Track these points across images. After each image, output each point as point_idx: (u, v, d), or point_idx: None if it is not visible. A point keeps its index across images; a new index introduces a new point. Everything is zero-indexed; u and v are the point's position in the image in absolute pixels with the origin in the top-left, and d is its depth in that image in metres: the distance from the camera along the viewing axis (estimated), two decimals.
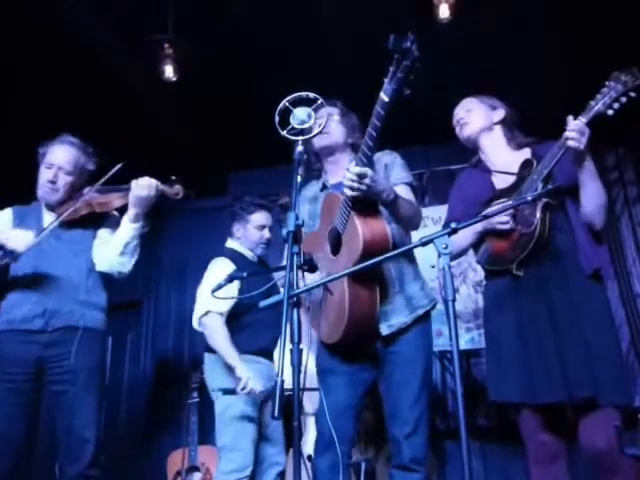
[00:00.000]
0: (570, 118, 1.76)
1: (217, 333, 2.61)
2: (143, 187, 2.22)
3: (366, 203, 1.79)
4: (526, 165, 1.93)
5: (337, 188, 2.03)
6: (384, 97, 1.61)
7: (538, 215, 1.82)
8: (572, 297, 1.81)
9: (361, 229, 1.74)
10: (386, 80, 1.60)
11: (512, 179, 1.97)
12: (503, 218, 1.87)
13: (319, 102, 1.70)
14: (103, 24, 3.09)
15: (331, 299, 1.90)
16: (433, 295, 2.04)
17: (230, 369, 2.61)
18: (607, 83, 1.75)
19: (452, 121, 2.22)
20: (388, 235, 1.79)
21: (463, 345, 3.67)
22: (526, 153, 2.04)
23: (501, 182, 2.02)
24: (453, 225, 1.43)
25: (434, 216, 4.16)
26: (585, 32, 3.11)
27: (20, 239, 2.15)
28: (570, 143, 1.73)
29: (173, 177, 2.35)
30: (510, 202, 1.78)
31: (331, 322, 1.89)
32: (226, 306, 2.63)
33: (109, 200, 2.32)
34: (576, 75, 3.33)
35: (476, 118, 2.14)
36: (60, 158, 2.33)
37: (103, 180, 2.28)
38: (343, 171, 2.06)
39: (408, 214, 1.91)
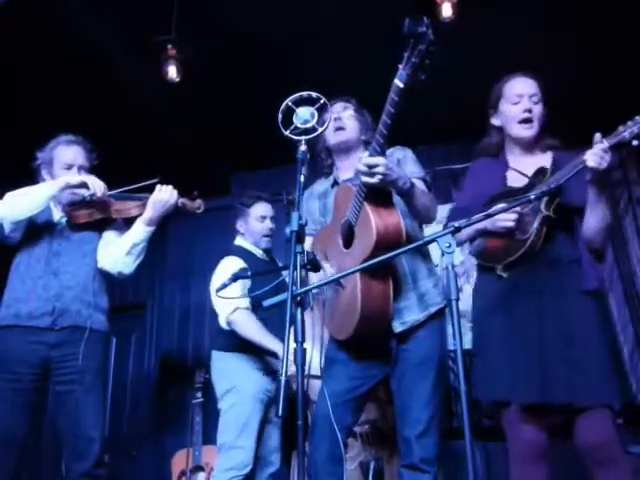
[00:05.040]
0: (597, 135, 1.73)
1: (250, 325, 2.59)
2: (165, 192, 2.30)
3: (379, 194, 1.76)
4: (539, 173, 1.90)
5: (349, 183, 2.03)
6: (398, 83, 1.57)
7: (535, 225, 1.82)
8: (564, 305, 1.81)
9: (374, 221, 1.72)
10: (400, 66, 1.57)
11: (525, 182, 1.94)
12: (509, 223, 1.84)
13: (322, 102, 1.70)
14: (106, 25, 3.10)
15: (343, 294, 1.86)
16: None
17: (239, 367, 2.62)
18: None
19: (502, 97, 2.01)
20: (402, 227, 1.76)
21: (466, 344, 3.65)
22: (548, 157, 2.00)
23: (514, 180, 1.98)
24: (456, 224, 1.43)
25: (437, 216, 4.15)
26: (586, 32, 3.10)
27: (101, 185, 2.27)
28: (591, 163, 1.69)
29: (195, 192, 2.40)
30: (512, 205, 1.76)
31: (342, 318, 1.86)
32: (249, 302, 2.63)
33: (127, 207, 2.37)
34: (577, 75, 3.34)
35: (539, 114, 1.95)
36: (77, 158, 2.38)
37: (133, 187, 2.36)
38: (355, 167, 2.07)
39: (425, 205, 1.89)
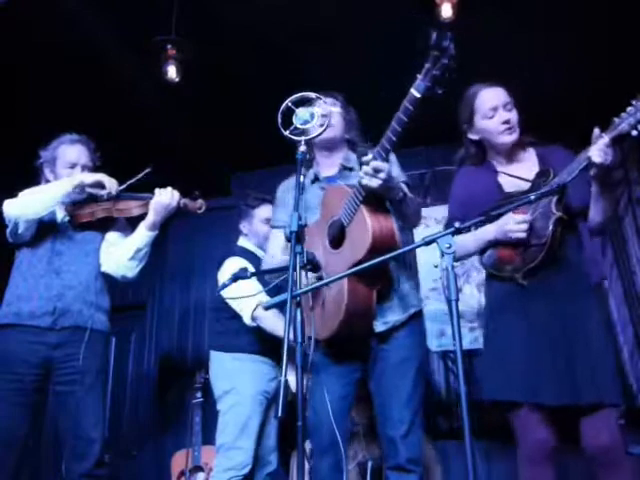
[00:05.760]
0: (596, 130, 1.72)
1: (275, 320, 2.58)
2: (166, 196, 2.28)
3: (376, 198, 1.77)
4: (542, 175, 1.89)
5: (330, 181, 2.03)
6: (415, 93, 1.58)
7: (551, 228, 1.80)
8: (580, 307, 1.82)
9: (370, 224, 1.72)
10: (419, 76, 1.58)
11: (522, 184, 1.93)
12: (521, 234, 1.83)
13: (321, 102, 1.71)
14: (106, 25, 3.10)
15: (326, 293, 1.87)
16: (421, 296, 2.06)
17: (238, 368, 2.62)
18: (633, 102, 1.67)
19: (474, 111, 2.02)
20: (396, 232, 1.77)
21: (466, 345, 3.67)
22: (531, 154, 2.02)
23: (509, 185, 1.98)
24: (457, 225, 1.42)
25: (437, 216, 4.15)
26: (586, 32, 3.10)
27: (115, 184, 2.29)
28: (597, 159, 1.69)
29: (196, 192, 2.39)
30: (513, 205, 1.76)
31: (325, 317, 1.86)
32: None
33: (128, 207, 2.35)
34: (577, 75, 3.33)
35: (517, 119, 1.99)
36: (81, 157, 2.38)
37: (130, 182, 2.34)
38: (336, 165, 2.07)
39: (412, 212, 1.92)
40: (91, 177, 2.28)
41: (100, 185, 2.26)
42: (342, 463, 1.82)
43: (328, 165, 2.10)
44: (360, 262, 1.72)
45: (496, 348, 1.93)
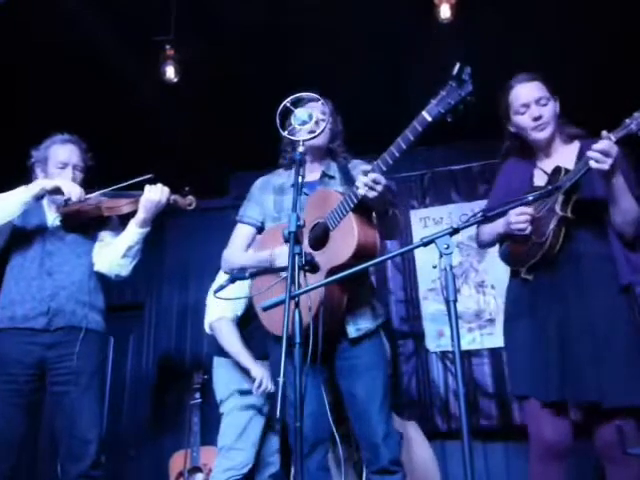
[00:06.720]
0: (604, 133, 1.72)
1: (229, 336, 2.62)
2: (156, 192, 2.26)
3: (365, 208, 1.82)
4: (555, 173, 1.91)
5: (311, 186, 2.04)
6: (427, 116, 1.63)
7: (551, 227, 1.82)
8: (589, 304, 1.81)
9: (357, 231, 1.77)
10: (433, 100, 1.62)
11: (545, 180, 1.95)
12: (521, 225, 1.86)
13: (320, 103, 1.71)
14: (106, 25, 3.10)
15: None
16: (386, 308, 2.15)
17: (240, 372, 2.63)
18: None
19: (509, 106, 2.03)
20: (378, 243, 1.83)
21: (465, 345, 3.67)
22: (574, 148, 2.01)
23: (540, 179, 2.00)
24: (454, 225, 1.43)
25: (435, 217, 4.15)
26: (587, 32, 3.10)
27: (76, 190, 2.23)
28: (592, 164, 1.70)
29: (187, 188, 2.37)
30: (512, 204, 1.77)
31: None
32: (239, 311, 2.65)
33: (119, 205, 2.34)
34: (579, 75, 3.33)
35: (551, 114, 1.99)
36: (72, 157, 2.36)
37: (122, 185, 2.33)
38: (318, 171, 2.11)
39: (394, 226, 1.98)
40: (51, 183, 2.25)
41: (59, 191, 2.23)
42: (327, 461, 1.85)
43: (310, 170, 2.10)
44: (341, 266, 1.76)
45: (509, 345, 1.99)
